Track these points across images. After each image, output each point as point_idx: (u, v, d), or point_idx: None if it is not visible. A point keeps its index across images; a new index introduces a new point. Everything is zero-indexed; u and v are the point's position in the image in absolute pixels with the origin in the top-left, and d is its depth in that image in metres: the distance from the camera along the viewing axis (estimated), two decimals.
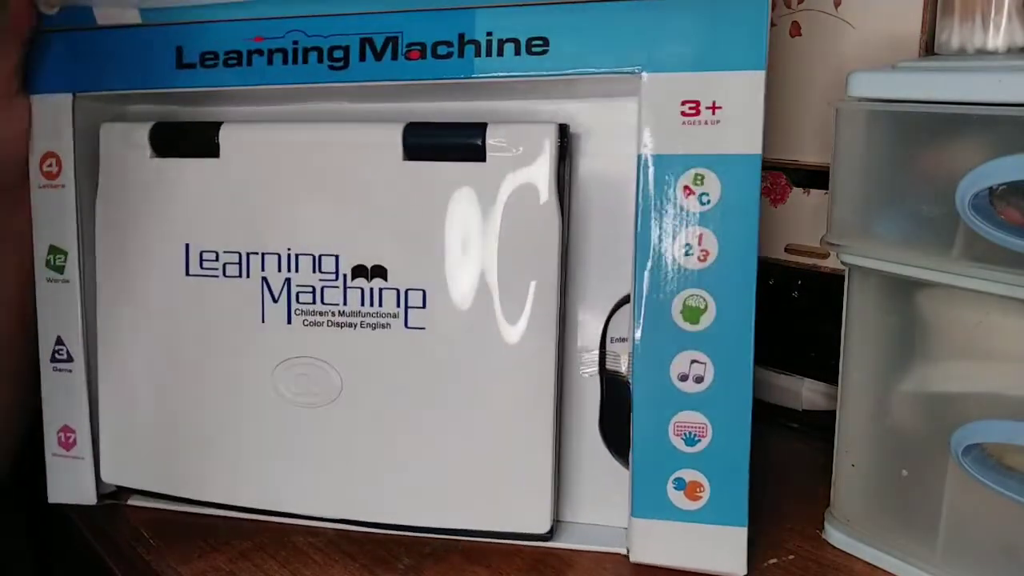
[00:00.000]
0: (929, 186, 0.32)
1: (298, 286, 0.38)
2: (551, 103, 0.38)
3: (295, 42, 0.37)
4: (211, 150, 0.39)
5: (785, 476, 0.46)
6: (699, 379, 0.35)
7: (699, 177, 0.34)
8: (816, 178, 0.48)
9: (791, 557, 0.39)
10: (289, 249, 0.38)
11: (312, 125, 0.39)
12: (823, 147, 0.47)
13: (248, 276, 0.38)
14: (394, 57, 0.36)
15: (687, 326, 0.35)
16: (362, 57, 0.37)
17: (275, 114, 0.42)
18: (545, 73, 0.35)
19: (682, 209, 0.34)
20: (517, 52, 0.35)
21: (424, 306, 0.37)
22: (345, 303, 0.38)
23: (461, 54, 0.35)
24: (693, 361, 0.35)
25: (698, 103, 0.33)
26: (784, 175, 0.49)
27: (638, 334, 0.35)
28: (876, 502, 0.39)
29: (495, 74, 0.35)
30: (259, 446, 0.39)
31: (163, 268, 0.40)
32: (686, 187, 0.34)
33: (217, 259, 0.39)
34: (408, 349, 0.37)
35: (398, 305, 0.37)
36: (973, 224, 0.31)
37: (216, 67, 0.38)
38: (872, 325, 0.36)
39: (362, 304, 0.37)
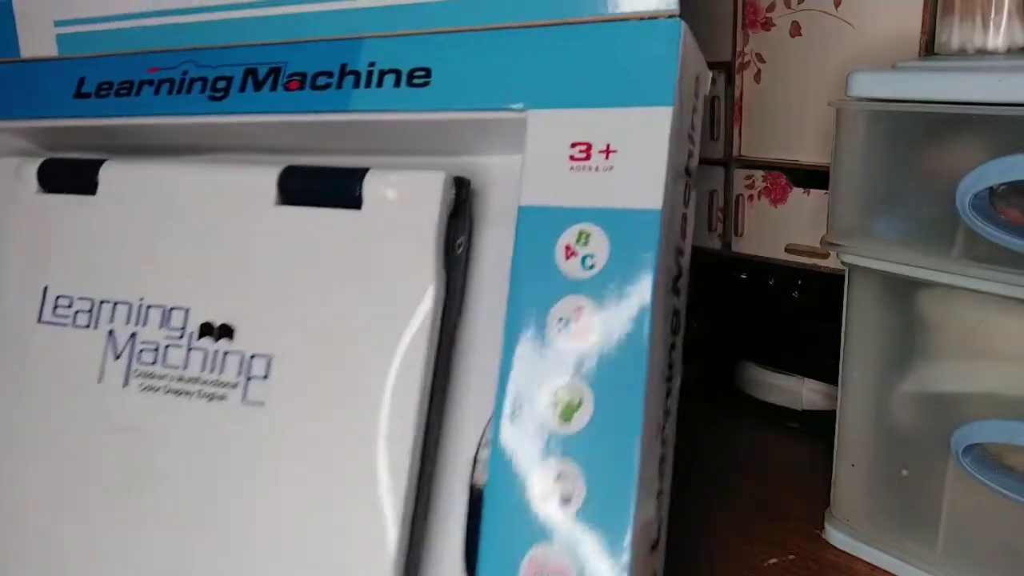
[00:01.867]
0: (929, 186, 0.32)
1: (143, 342, 0.34)
2: (458, 159, 0.33)
3: (184, 72, 0.36)
4: (89, 187, 0.36)
5: (785, 476, 0.46)
6: (566, 499, 0.26)
7: (583, 235, 0.28)
8: (816, 178, 0.48)
9: (791, 557, 0.39)
10: (142, 299, 0.34)
11: (189, 164, 0.36)
12: (823, 147, 0.47)
13: (96, 327, 0.35)
14: (273, 87, 0.34)
15: (558, 425, 0.27)
16: (243, 87, 0.35)
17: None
18: (425, 108, 0.31)
19: (560, 273, 0.28)
20: (397, 84, 0.32)
21: (267, 376, 0.32)
22: (186, 366, 0.33)
23: (340, 85, 0.33)
24: (560, 474, 0.27)
25: (589, 146, 0.28)
26: (784, 175, 0.49)
27: (498, 434, 0.28)
28: (876, 502, 0.39)
29: (373, 107, 0.32)
30: (75, 528, 0.34)
31: (19, 311, 0.36)
32: (567, 247, 0.28)
33: (70, 305, 0.35)
34: (241, 429, 0.32)
35: (239, 373, 0.32)
36: (973, 224, 0.31)
37: (107, 97, 0.37)
38: (872, 325, 0.36)
39: (202, 369, 0.33)
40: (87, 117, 0.37)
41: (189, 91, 0.36)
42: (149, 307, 0.34)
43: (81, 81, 0.38)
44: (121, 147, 0.39)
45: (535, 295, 0.28)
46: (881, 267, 0.34)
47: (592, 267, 0.28)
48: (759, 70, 0.49)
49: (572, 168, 0.28)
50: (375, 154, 0.34)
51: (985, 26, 0.36)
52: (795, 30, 0.47)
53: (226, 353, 0.32)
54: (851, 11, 0.45)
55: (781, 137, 0.49)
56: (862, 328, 0.37)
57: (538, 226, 0.29)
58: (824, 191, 0.47)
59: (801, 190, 0.49)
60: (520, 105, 0.30)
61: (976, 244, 0.31)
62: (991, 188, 0.30)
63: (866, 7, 0.44)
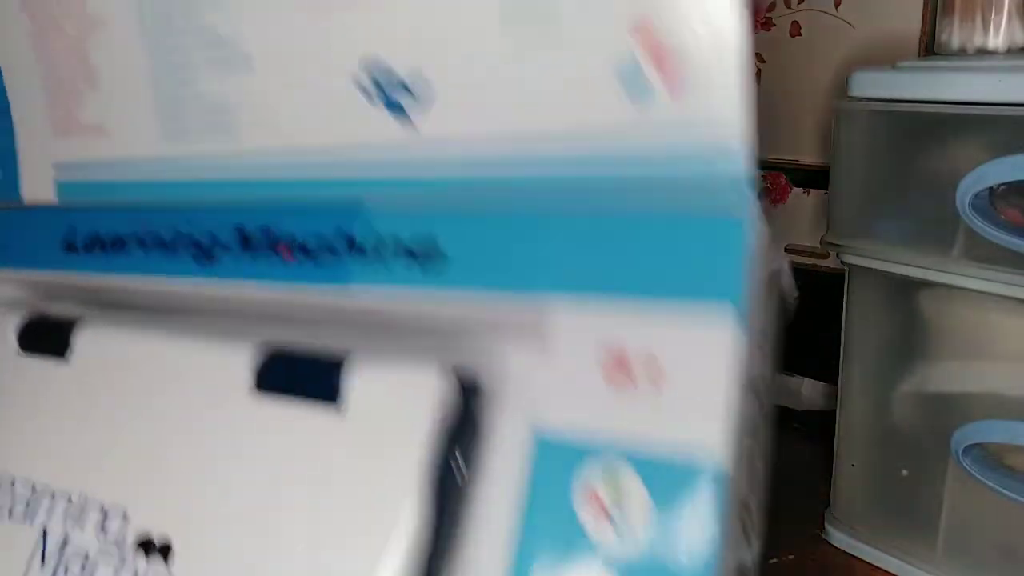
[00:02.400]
0: (929, 186, 0.32)
1: (73, 549, 0.29)
2: (471, 342, 0.26)
3: (176, 231, 0.33)
4: (62, 350, 0.32)
5: (785, 476, 0.45)
6: None
7: (617, 485, 0.20)
8: (816, 178, 0.48)
9: (791, 557, 0.39)
10: (82, 492, 0.29)
11: (166, 333, 0.32)
12: (823, 147, 0.47)
13: (32, 522, 0.30)
14: (265, 250, 0.30)
15: None
16: (232, 250, 0.31)
17: None
18: (432, 287, 0.25)
19: (581, 537, 0.20)
20: (409, 260, 0.26)
21: None
22: None
23: (340, 255, 0.28)
24: None
25: (628, 364, 0.21)
26: (784, 175, 0.49)
27: None
28: (876, 502, 0.39)
29: (373, 285, 0.27)
30: None
31: None
32: (593, 496, 0.21)
33: (12, 486, 0.31)
34: None
35: None
36: (973, 224, 0.31)
37: (95, 252, 0.34)
38: (872, 325, 0.36)
39: None
40: (73, 272, 0.35)
41: (176, 252, 0.33)
42: (88, 502, 0.29)
43: (72, 232, 0.36)
44: (109, 301, 0.35)
45: (548, 560, 0.21)
46: (881, 267, 0.34)
47: (623, 533, 0.20)
48: (759, 70, 0.49)
49: (607, 386, 0.21)
50: (370, 329, 0.29)
51: (985, 26, 0.36)
52: (795, 30, 0.47)
53: None
54: (851, 11, 0.45)
55: (781, 137, 0.49)
56: (862, 328, 0.37)
57: (551, 465, 0.22)
58: (824, 191, 0.47)
59: (801, 190, 0.49)
60: (542, 292, 0.23)
61: (976, 244, 0.31)
62: (991, 188, 0.30)
63: (866, 7, 0.45)
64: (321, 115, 0.29)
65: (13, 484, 0.31)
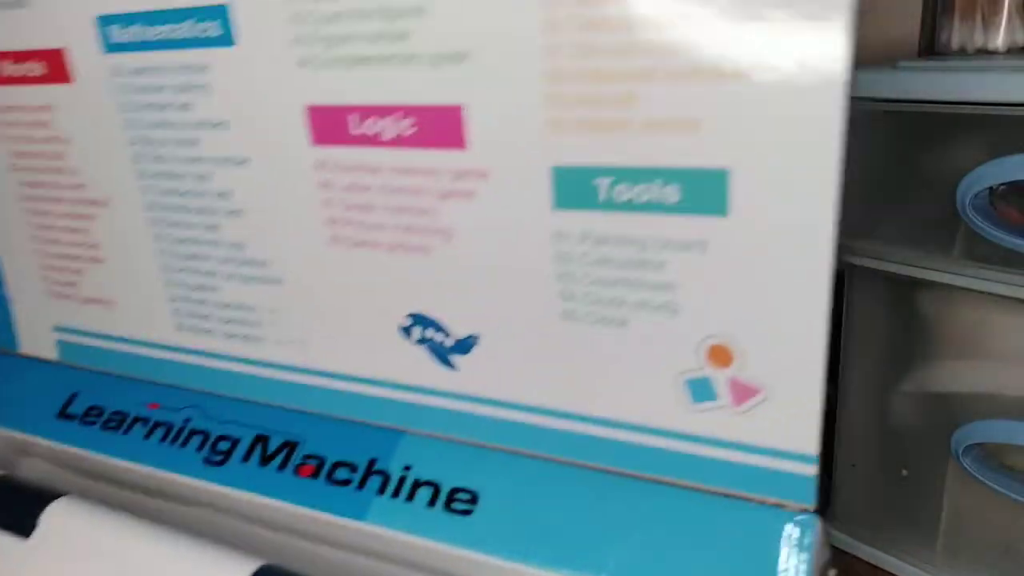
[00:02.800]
0: (929, 186, 0.32)
1: None
2: None
3: (187, 419, 0.32)
4: (25, 529, 0.29)
5: None
6: None
7: None
8: None
9: None
10: None
11: (151, 533, 0.29)
12: None
13: None
14: (282, 467, 0.29)
15: None
16: (246, 457, 0.30)
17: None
18: (460, 543, 0.25)
19: None
20: (432, 503, 0.26)
21: None
22: None
23: (361, 484, 0.27)
24: None
25: None
26: None
27: None
28: (876, 502, 0.39)
29: (392, 527, 0.26)
30: None
31: None
32: None
33: None
34: None
35: None
36: (973, 224, 0.31)
37: (94, 426, 0.33)
38: (872, 325, 0.36)
39: None
40: (64, 443, 0.33)
41: (185, 444, 0.31)
42: None
43: (72, 397, 0.34)
44: (92, 472, 0.33)
45: None
46: (881, 267, 0.34)
47: None
48: None
49: None
50: (384, 561, 0.27)
51: (985, 26, 0.36)
52: None
53: None
54: None
55: None
56: (862, 328, 0.37)
57: None
58: None
59: None
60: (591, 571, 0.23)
61: (976, 244, 0.31)
62: (991, 188, 0.30)
63: (866, 7, 0.44)
64: (357, 346, 0.29)
65: None
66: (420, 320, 0.27)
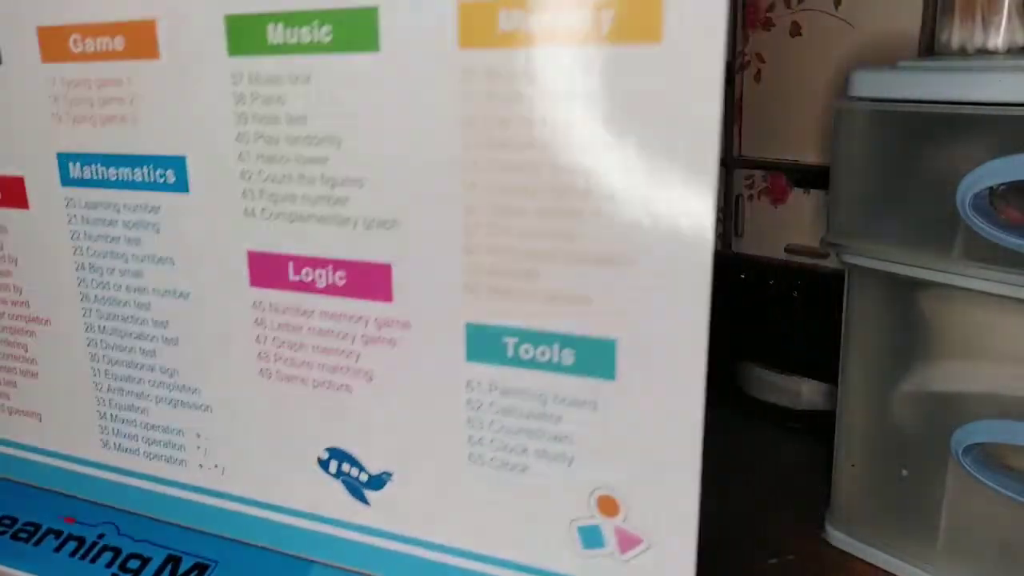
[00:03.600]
0: (929, 186, 0.32)
1: None
2: None
3: (101, 535, 0.33)
4: None
5: (785, 476, 0.45)
6: None
7: None
8: (816, 178, 0.48)
9: (791, 557, 0.39)
10: None
11: None
12: (823, 147, 0.47)
13: None
14: None
15: None
16: (158, 572, 0.31)
17: None
18: None
19: None
20: None
21: None
22: None
23: None
24: None
25: None
26: (784, 175, 0.49)
27: None
28: (876, 502, 0.39)
29: None
30: None
31: None
32: None
33: None
34: None
35: None
36: (973, 224, 0.31)
37: (3, 535, 0.34)
38: (872, 325, 0.36)
39: None
40: None
41: (95, 561, 0.32)
42: None
43: None
44: None
45: None
46: (881, 267, 0.34)
47: None
48: (759, 70, 0.49)
49: None
50: None
51: (985, 26, 0.36)
52: (795, 30, 0.47)
53: None
54: (851, 11, 0.45)
55: (781, 137, 0.49)
56: (862, 328, 0.37)
57: None
58: (824, 191, 0.47)
59: (801, 190, 0.49)
60: None
61: (976, 244, 0.31)
62: (991, 188, 0.30)
63: (866, 7, 0.44)
64: (277, 475, 0.31)
65: None
66: (338, 455, 0.30)
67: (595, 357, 0.25)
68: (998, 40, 0.36)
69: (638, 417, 0.24)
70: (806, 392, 0.51)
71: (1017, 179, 0.29)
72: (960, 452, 0.34)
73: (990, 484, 0.33)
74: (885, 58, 0.33)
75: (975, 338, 0.33)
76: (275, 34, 0.26)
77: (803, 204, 0.49)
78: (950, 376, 0.35)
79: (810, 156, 0.48)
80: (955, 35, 0.37)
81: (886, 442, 0.38)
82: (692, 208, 0.22)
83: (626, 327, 0.24)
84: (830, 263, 0.48)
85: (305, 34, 0.26)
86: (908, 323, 0.35)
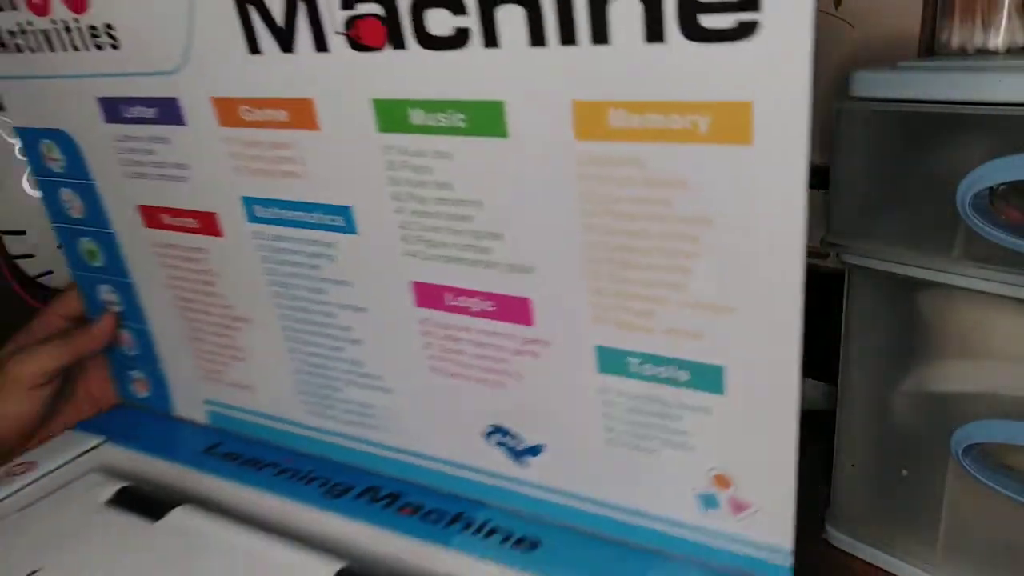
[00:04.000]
0: (929, 186, 0.32)
1: None
2: None
3: (311, 470, 0.40)
4: (154, 515, 0.37)
5: None
6: None
7: None
8: (816, 178, 0.48)
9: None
10: None
11: (254, 536, 0.36)
12: (823, 147, 0.47)
13: None
14: (388, 506, 0.37)
15: None
16: (360, 494, 0.38)
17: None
18: (524, 568, 0.33)
19: None
20: (504, 542, 0.34)
21: None
22: None
23: (449, 524, 0.35)
24: None
25: None
26: None
27: None
28: (876, 502, 0.39)
29: (470, 553, 0.33)
30: None
31: None
32: None
33: None
34: None
35: None
36: (973, 224, 0.31)
37: (234, 463, 0.41)
38: (872, 325, 0.36)
39: None
40: (203, 472, 0.41)
41: (310, 483, 0.39)
42: None
43: (216, 445, 0.43)
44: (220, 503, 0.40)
45: None
46: (881, 267, 0.34)
47: None
48: None
49: None
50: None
51: (985, 26, 0.36)
52: None
53: None
54: (851, 11, 0.45)
55: None
56: (862, 328, 0.37)
57: None
58: (824, 191, 0.47)
59: None
60: None
61: (976, 244, 0.31)
62: (991, 188, 0.30)
63: (866, 7, 0.45)
64: (451, 439, 0.37)
65: None
66: (499, 430, 0.35)
67: (707, 378, 0.29)
68: (998, 40, 0.36)
69: (746, 419, 0.29)
70: (806, 392, 0.51)
71: (1017, 179, 0.29)
72: (960, 452, 0.34)
73: (990, 484, 0.33)
74: (885, 58, 0.33)
75: (975, 338, 0.33)
76: (416, 117, 0.30)
77: None
78: (950, 376, 0.35)
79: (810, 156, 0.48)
80: (955, 35, 0.37)
81: (886, 442, 0.38)
82: (783, 270, 0.26)
83: (731, 357, 0.29)
84: (830, 263, 0.48)
85: (443, 119, 0.30)
86: (908, 323, 0.35)
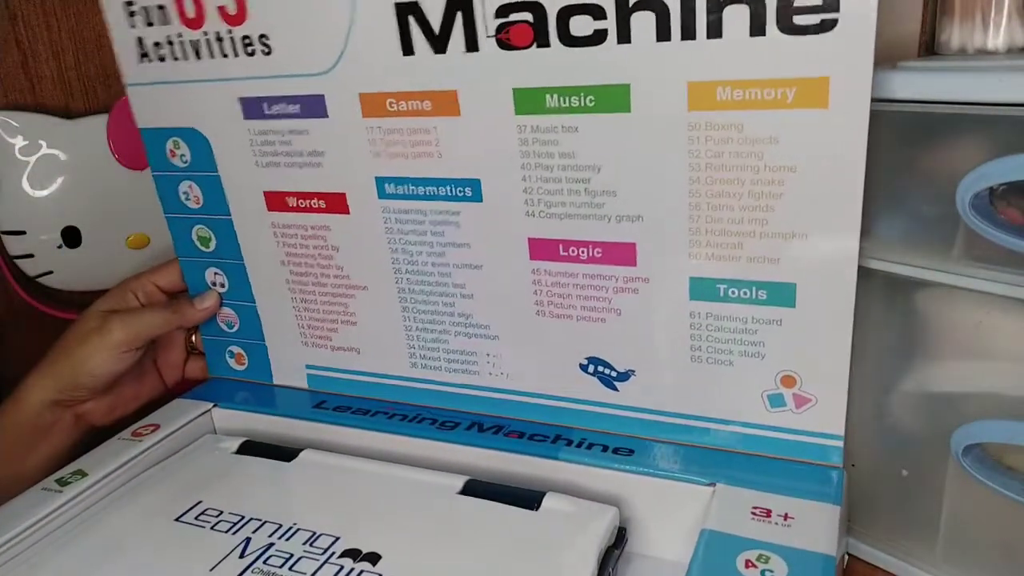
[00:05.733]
0: (929, 186, 0.32)
1: (276, 551, 0.36)
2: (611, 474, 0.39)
3: (418, 414, 0.45)
4: (287, 458, 0.43)
5: None
6: None
7: (764, 557, 0.32)
8: None
9: None
10: (295, 524, 0.37)
11: (382, 464, 0.42)
12: None
13: (234, 533, 0.37)
14: (495, 433, 0.43)
15: None
16: (468, 428, 0.43)
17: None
18: (626, 469, 0.39)
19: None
20: (604, 450, 0.40)
21: None
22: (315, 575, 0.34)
23: (554, 442, 0.41)
24: None
25: (769, 511, 0.35)
26: None
27: None
28: (876, 502, 0.39)
29: (578, 462, 0.39)
30: None
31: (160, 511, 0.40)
32: (748, 561, 0.32)
33: (219, 515, 0.38)
34: None
35: None
36: (973, 224, 0.31)
37: (344, 413, 0.46)
38: (872, 325, 0.36)
39: None
40: (321, 423, 0.46)
41: (420, 423, 0.44)
42: (298, 530, 0.37)
43: (321, 402, 0.48)
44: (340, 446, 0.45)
45: None
46: (881, 267, 0.34)
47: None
48: None
49: (752, 518, 0.35)
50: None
51: (985, 26, 0.36)
52: None
53: (364, 572, 0.34)
54: None
55: None
56: (862, 328, 0.37)
57: (721, 545, 0.33)
58: None
59: None
60: (711, 481, 0.37)
61: (976, 244, 0.31)
62: (991, 188, 0.30)
63: None
64: (549, 374, 0.43)
65: (219, 512, 0.39)
66: (594, 360, 0.41)
67: (781, 294, 0.36)
68: (998, 40, 0.36)
69: (810, 327, 0.36)
70: None
71: (1017, 179, 0.29)
72: (960, 452, 0.34)
73: (990, 484, 0.33)
74: (885, 58, 0.33)
75: (975, 338, 0.33)
76: (552, 101, 0.36)
77: None
78: (950, 376, 0.35)
79: None
80: (955, 35, 0.37)
81: (886, 442, 0.38)
82: (847, 196, 0.33)
83: (801, 275, 0.35)
84: None
85: (575, 100, 0.36)
86: (908, 323, 0.35)
